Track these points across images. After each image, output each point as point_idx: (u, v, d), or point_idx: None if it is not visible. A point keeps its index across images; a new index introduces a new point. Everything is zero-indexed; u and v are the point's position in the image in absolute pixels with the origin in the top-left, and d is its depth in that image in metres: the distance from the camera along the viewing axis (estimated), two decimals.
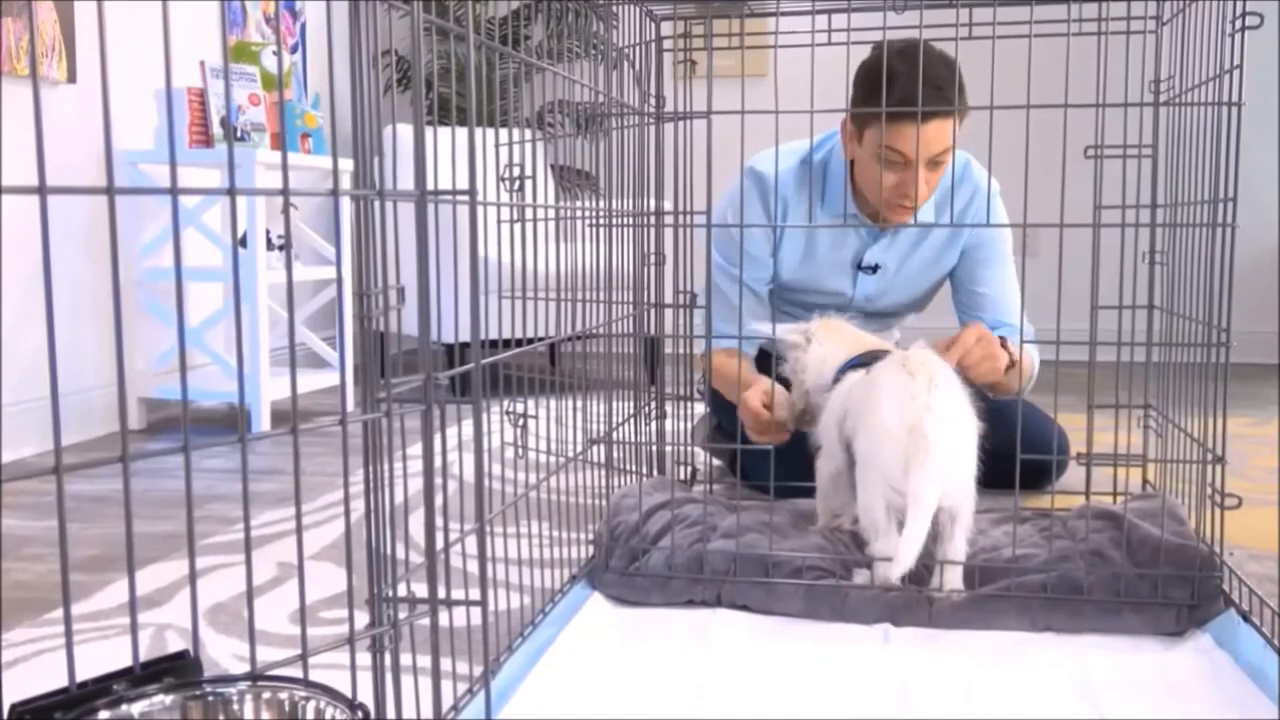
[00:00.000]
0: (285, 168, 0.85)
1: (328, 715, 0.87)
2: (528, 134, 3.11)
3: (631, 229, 1.96)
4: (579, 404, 1.82)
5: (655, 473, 2.10)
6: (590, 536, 1.75)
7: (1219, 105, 1.48)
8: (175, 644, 1.49)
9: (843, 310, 2.07)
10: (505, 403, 1.69)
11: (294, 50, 4.01)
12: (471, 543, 1.27)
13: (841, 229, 2.17)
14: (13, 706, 0.80)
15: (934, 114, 1.86)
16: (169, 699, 0.85)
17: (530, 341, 1.46)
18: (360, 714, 0.86)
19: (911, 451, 1.48)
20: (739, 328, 1.95)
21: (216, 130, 3.03)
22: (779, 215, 2.15)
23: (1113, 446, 1.67)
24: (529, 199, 2.94)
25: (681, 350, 2.11)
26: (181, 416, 0.73)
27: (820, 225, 2.16)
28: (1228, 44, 1.45)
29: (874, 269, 2.22)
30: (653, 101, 2.00)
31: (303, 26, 4.07)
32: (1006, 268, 2.24)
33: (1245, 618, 1.44)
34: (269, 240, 3.31)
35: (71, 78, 2.84)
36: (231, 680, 0.89)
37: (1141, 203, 1.61)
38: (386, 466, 0.97)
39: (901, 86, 1.79)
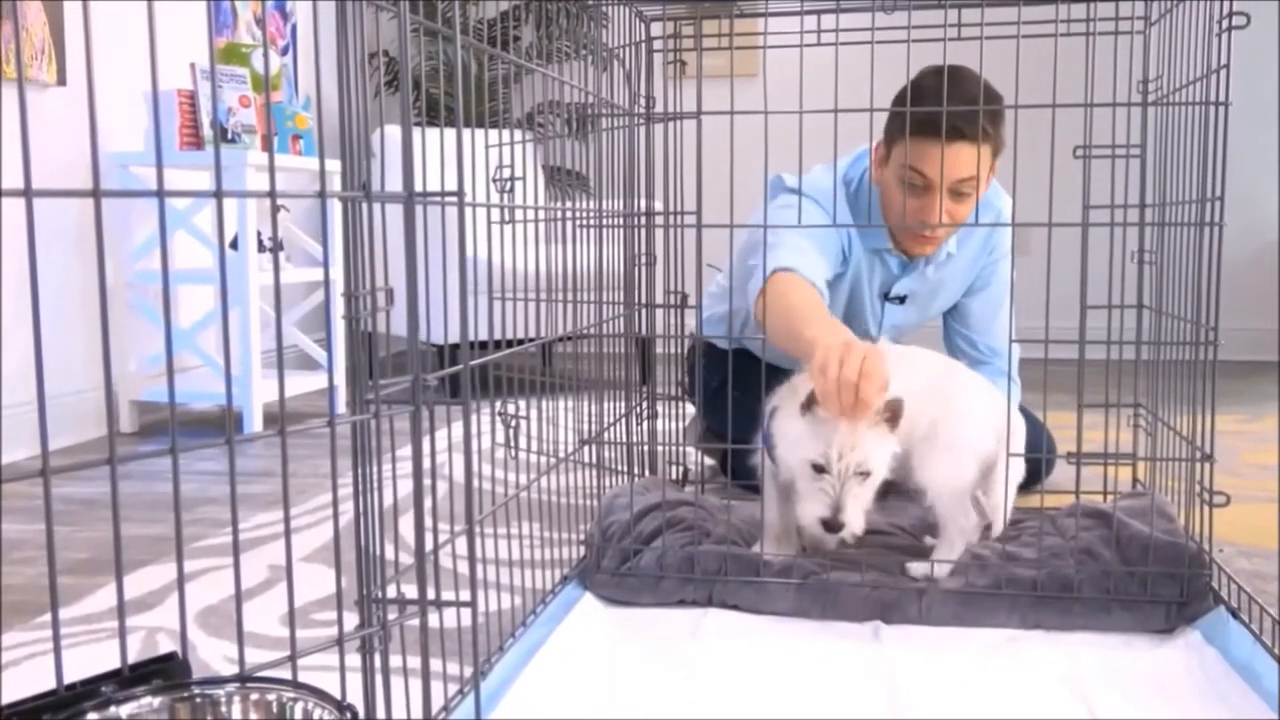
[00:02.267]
0: (272, 169, 0.85)
1: (315, 716, 0.87)
2: (518, 135, 3.11)
3: (622, 229, 1.96)
4: (570, 404, 1.82)
5: (647, 473, 2.10)
6: (581, 537, 1.75)
7: (1206, 105, 1.49)
8: (166, 647, 1.49)
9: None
10: (496, 403, 1.69)
11: (284, 51, 4.01)
12: (462, 544, 1.28)
13: (873, 260, 2.13)
14: (1, 709, 0.80)
15: (960, 137, 1.80)
16: (157, 700, 0.85)
17: (521, 342, 1.46)
18: (349, 715, 0.86)
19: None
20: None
21: (207, 132, 3.02)
22: (845, 235, 2.07)
23: (1103, 445, 1.67)
24: (519, 200, 2.93)
25: (672, 350, 2.11)
26: (170, 419, 0.74)
27: (833, 224, 2.15)
28: (1215, 44, 1.46)
29: (902, 299, 2.20)
30: (643, 102, 2.00)
31: (293, 28, 4.06)
32: (1005, 289, 2.22)
33: (1234, 614, 1.44)
34: (260, 242, 3.30)
35: (61, 80, 2.83)
36: (220, 682, 0.89)
37: (1130, 202, 1.61)
38: (375, 468, 0.97)
39: (930, 103, 1.73)
